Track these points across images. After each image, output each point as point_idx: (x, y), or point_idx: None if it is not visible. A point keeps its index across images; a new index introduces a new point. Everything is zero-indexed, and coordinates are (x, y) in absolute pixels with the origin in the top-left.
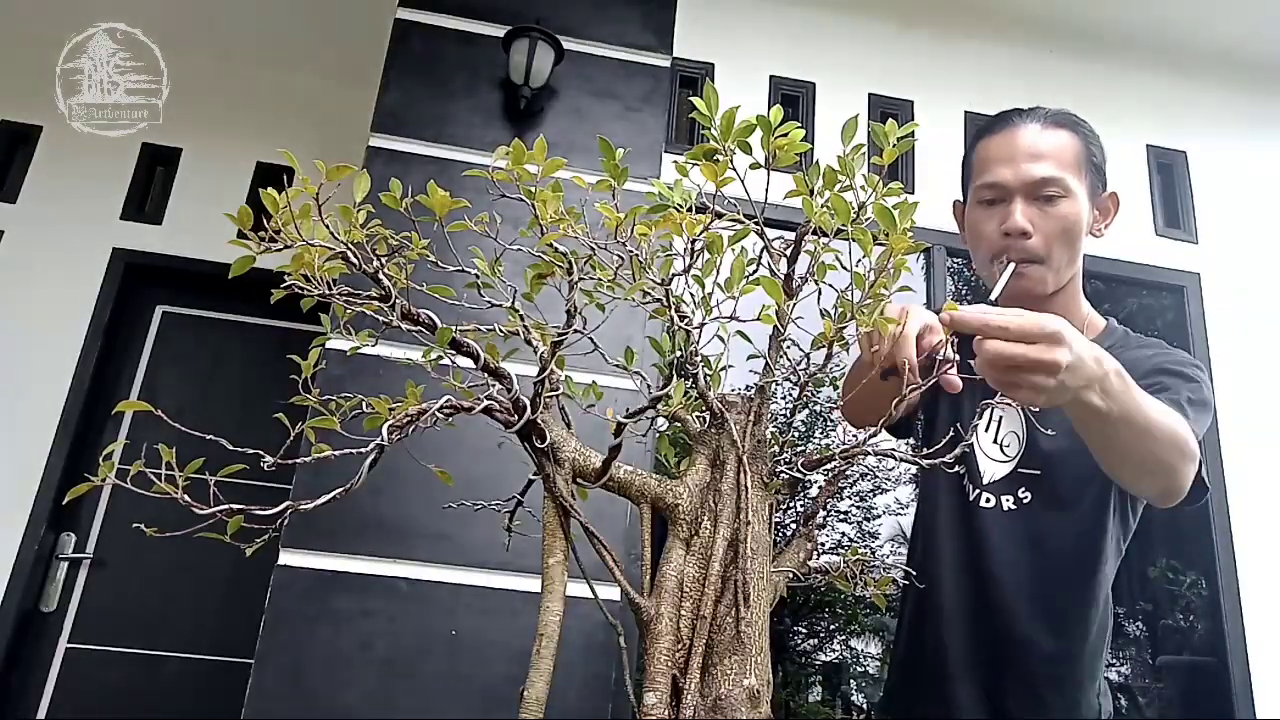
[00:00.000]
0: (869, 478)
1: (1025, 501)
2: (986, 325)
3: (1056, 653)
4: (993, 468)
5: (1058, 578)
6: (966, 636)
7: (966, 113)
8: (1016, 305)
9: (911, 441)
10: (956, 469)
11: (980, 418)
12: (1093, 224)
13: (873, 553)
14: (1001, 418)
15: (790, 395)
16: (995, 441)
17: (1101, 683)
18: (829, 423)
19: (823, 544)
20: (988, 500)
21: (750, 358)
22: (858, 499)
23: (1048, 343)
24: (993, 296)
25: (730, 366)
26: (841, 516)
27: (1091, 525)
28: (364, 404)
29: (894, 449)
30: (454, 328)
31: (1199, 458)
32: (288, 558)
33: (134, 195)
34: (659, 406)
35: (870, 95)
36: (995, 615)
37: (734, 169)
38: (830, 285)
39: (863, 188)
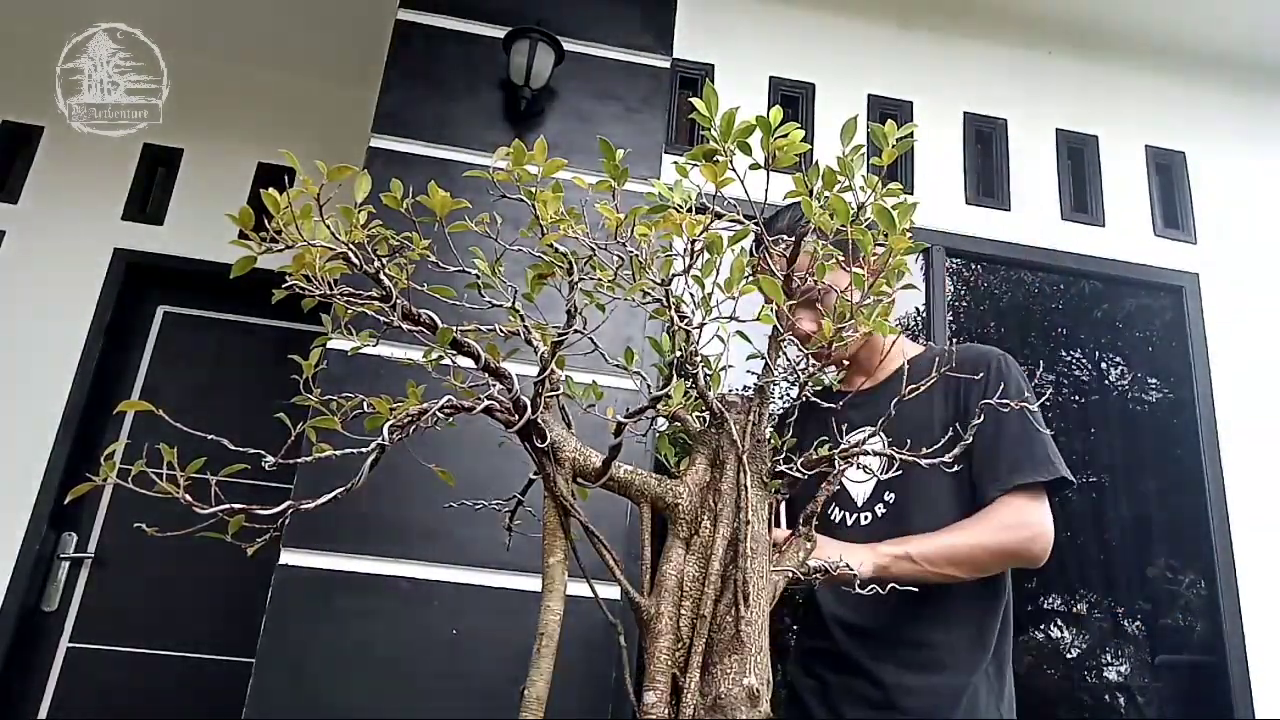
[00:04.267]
0: None
1: (890, 504)
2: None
3: (890, 634)
4: (861, 489)
5: None
6: (841, 632)
7: (966, 113)
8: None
9: (909, 443)
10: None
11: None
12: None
13: None
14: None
15: (789, 395)
16: (860, 468)
17: (990, 680)
18: None
19: None
20: (853, 519)
21: (750, 358)
22: None
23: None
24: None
25: (730, 366)
26: None
27: (942, 516)
28: (365, 404)
29: (891, 450)
30: (455, 328)
31: (1028, 529)
32: (289, 557)
33: (135, 196)
34: (659, 406)
35: (870, 96)
36: (850, 614)
37: (734, 170)
38: (830, 285)
39: (862, 188)
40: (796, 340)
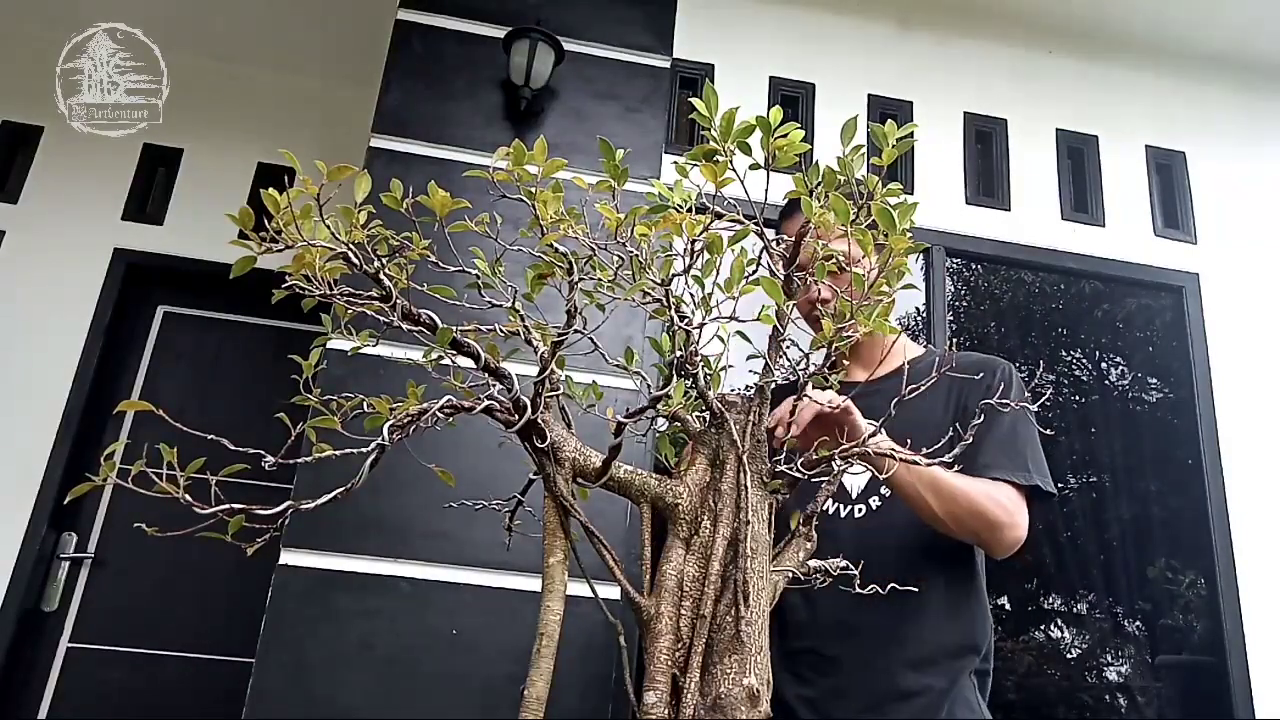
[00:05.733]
0: None
1: (886, 498)
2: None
3: (881, 633)
4: (856, 481)
5: (896, 562)
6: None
7: (966, 113)
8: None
9: (909, 441)
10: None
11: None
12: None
13: None
14: None
15: (789, 378)
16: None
17: (975, 680)
18: None
19: None
20: (846, 511)
21: (750, 358)
22: None
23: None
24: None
25: (730, 366)
26: None
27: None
28: (365, 404)
29: (893, 449)
30: (455, 328)
31: (1011, 517)
32: (289, 557)
33: (135, 195)
34: (659, 406)
35: (870, 96)
36: (838, 613)
37: (734, 169)
38: (830, 286)
39: (862, 188)
40: (802, 312)
